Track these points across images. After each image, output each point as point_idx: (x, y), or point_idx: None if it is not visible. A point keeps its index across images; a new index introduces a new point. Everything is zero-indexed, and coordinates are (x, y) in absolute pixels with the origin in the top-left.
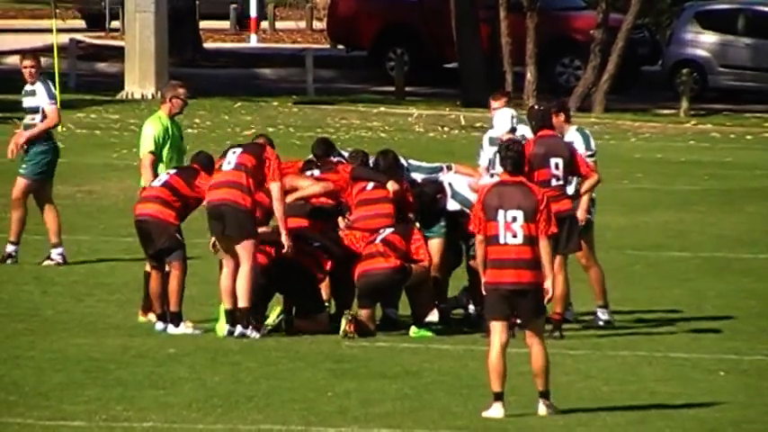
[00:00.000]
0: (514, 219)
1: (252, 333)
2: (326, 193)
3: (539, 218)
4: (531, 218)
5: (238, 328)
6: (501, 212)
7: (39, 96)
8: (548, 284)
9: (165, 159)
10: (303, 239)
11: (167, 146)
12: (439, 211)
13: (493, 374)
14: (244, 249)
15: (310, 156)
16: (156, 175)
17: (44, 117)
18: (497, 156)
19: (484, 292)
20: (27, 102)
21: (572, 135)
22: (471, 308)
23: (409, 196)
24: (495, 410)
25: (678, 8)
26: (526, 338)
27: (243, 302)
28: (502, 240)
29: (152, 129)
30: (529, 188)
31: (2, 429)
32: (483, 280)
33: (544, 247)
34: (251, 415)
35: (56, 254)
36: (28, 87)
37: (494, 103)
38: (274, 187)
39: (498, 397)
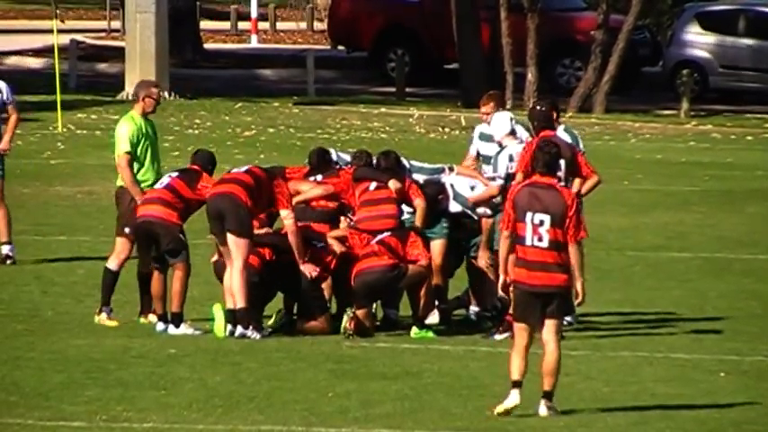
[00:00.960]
0: (541, 222)
1: (252, 333)
2: (327, 195)
3: (568, 223)
4: (559, 222)
5: (239, 329)
6: (529, 215)
7: (4, 93)
8: (578, 287)
9: (140, 158)
10: (306, 240)
11: (141, 144)
12: (440, 212)
13: (513, 368)
14: (237, 248)
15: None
16: (133, 174)
17: (6, 113)
18: (495, 156)
19: (501, 291)
20: None
21: (560, 134)
22: (473, 309)
23: (411, 192)
24: (513, 398)
25: (679, 9)
26: (542, 335)
27: (240, 302)
28: (528, 242)
29: (126, 128)
30: (559, 191)
31: (2, 430)
32: (501, 277)
33: (573, 252)
34: (251, 415)
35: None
36: None
37: (483, 108)
38: (288, 220)
39: (516, 384)
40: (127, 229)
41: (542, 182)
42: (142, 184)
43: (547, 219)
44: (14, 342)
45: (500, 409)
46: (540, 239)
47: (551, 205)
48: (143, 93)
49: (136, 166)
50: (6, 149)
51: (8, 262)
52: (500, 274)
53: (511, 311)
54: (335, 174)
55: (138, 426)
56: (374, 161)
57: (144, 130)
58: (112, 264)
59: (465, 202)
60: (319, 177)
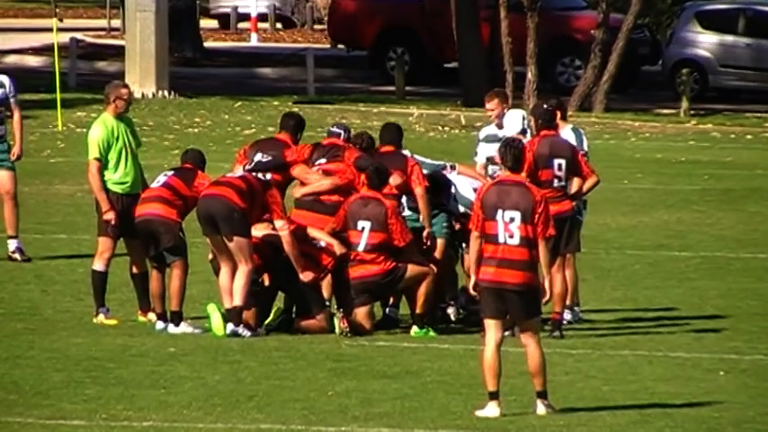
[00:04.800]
0: (512, 219)
1: (244, 332)
2: (335, 189)
3: (537, 220)
4: (529, 219)
5: (229, 326)
6: (500, 212)
7: (6, 87)
8: (546, 285)
9: (114, 162)
10: (305, 241)
11: (114, 148)
12: (440, 209)
13: (488, 373)
14: (240, 250)
15: (318, 141)
16: (101, 181)
17: (10, 111)
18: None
19: (472, 290)
20: None
21: (566, 134)
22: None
23: (413, 176)
24: (490, 410)
25: (678, 8)
26: (522, 339)
27: (238, 300)
28: (501, 240)
29: (97, 133)
30: (527, 188)
31: (2, 428)
32: (473, 278)
33: (542, 248)
34: (251, 414)
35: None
36: None
37: (488, 104)
38: (283, 231)
39: (493, 396)
40: (109, 229)
41: (511, 179)
42: (122, 186)
43: (517, 215)
44: (14, 340)
45: (480, 414)
46: (512, 236)
47: (520, 202)
48: (113, 95)
49: (112, 169)
50: (19, 155)
51: (16, 255)
52: (471, 275)
53: (481, 310)
54: (339, 157)
55: (138, 424)
56: (372, 144)
57: (116, 133)
58: (98, 265)
59: (468, 204)
60: (323, 161)
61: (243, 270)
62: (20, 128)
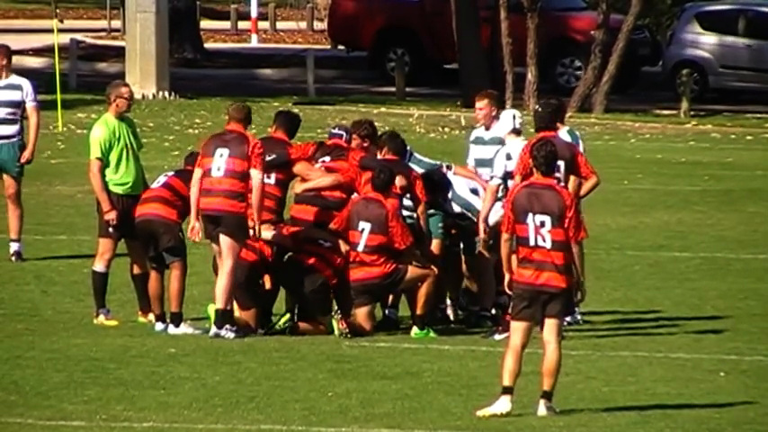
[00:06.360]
0: (543, 223)
1: (227, 334)
2: (336, 186)
3: (567, 224)
4: (560, 223)
5: (213, 329)
6: (530, 216)
7: (24, 91)
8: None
9: (115, 162)
10: (312, 241)
11: (115, 149)
12: (433, 204)
13: (506, 371)
14: (229, 249)
15: (322, 140)
16: (102, 181)
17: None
18: (494, 155)
19: (507, 289)
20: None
21: (562, 136)
22: (449, 310)
23: (417, 190)
24: (502, 404)
25: (679, 9)
26: (543, 336)
27: (220, 303)
28: (532, 243)
29: (99, 133)
30: (558, 192)
31: (2, 429)
32: (507, 276)
33: (575, 252)
34: (251, 415)
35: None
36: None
37: (477, 104)
38: (255, 176)
39: (507, 390)
40: (110, 229)
41: (541, 182)
42: (123, 187)
43: (547, 219)
44: (14, 341)
45: (485, 413)
46: (544, 240)
47: (550, 205)
48: (114, 94)
49: (113, 169)
50: (30, 159)
51: (13, 258)
52: (505, 273)
53: (510, 310)
54: (343, 156)
55: (138, 425)
56: (374, 132)
57: (118, 134)
58: (99, 266)
59: (465, 204)
60: (327, 159)
61: (225, 269)
62: (35, 132)
